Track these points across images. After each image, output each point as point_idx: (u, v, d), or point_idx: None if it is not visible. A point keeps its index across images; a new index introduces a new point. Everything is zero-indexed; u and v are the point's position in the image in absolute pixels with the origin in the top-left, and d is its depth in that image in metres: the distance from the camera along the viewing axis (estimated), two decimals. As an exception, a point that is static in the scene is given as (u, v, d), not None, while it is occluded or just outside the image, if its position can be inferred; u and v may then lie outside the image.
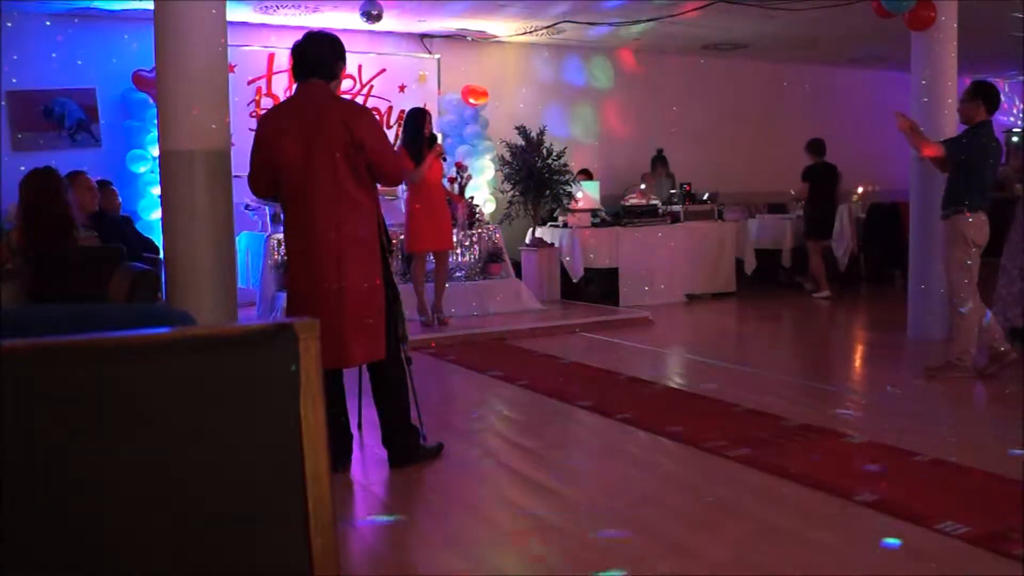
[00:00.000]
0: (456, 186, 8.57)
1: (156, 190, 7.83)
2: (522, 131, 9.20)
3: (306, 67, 3.88)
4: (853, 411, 5.07)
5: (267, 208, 8.08)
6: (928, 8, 6.73)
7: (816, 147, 9.80)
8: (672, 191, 10.40)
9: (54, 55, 8.38)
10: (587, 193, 9.56)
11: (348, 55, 4.06)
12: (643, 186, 10.13)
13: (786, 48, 11.17)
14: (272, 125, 3.87)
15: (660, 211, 9.65)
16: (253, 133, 3.97)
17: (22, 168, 5.69)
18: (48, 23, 8.37)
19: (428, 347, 6.95)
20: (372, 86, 9.67)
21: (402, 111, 9.46)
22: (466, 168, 8.87)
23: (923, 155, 6.00)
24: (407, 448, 4.08)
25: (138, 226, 7.50)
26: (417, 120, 7.20)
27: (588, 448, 4.51)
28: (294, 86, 4.02)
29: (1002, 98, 5.91)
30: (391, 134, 9.44)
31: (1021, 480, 3.63)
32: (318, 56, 3.88)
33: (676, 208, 9.82)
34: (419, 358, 5.73)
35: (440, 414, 4.90)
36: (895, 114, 5.94)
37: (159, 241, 6.21)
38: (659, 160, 10.81)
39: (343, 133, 3.74)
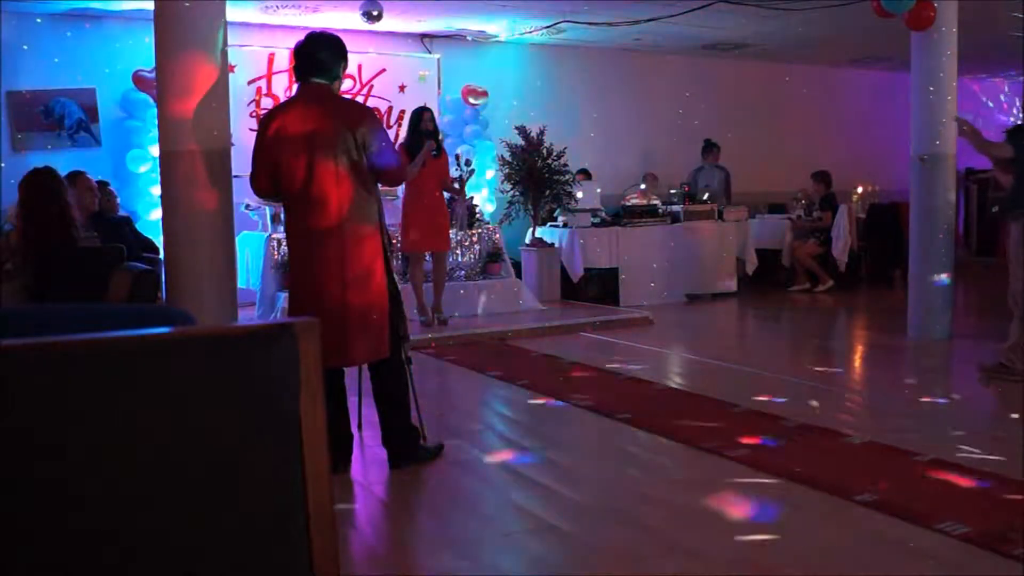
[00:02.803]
0: (458, 178, 8.32)
1: (156, 190, 7.83)
2: (522, 131, 9.20)
3: (308, 68, 3.89)
4: (853, 411, 5.07)
5: (267, 208, 8.06)
6: (928, 8, 6.73)
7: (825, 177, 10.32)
8: (727, 187, 10.33)
9: (54, 55, 8.38)
10: (587, 193, 9.56)
11: (348, 55, 4.06)
12: (643, 186, 10.12)
13: (786, 48, 11.17)
14: (274, 125, 3.87)
15: (660, 211, 9.65)
16: (253, 133, 3.97)
17: (22, 169, 5.68)
18: (48, 23, 8.37)
19: (428, 347, 6.95)
20: (372, 86, 9.66)
21: (402, 111, 9.46)
22: (470, 162, 8.56)
23: (990, 156, 5.80)
24: (407, 448, 4.08)
25: (138, 226, 7.50)
26: (413, 119, 7.20)
27: (588, 448, 4.50)
28: (295, 86, 4.02)
29: (1002, 98, 5.85)
30: (391, 134, 9.43)
31: (1021, 480, 3.64)
32: (320, 57, 3.88)
33: (676, 208, 9.82)
34: (419, 358, 5.73)
35: (440, 414, 4.90)
36: (955, 119, 5.85)
37: (159, 241, 6.21)
38: (709, 148, 10.62)
39: (345, 133, 3.75)
